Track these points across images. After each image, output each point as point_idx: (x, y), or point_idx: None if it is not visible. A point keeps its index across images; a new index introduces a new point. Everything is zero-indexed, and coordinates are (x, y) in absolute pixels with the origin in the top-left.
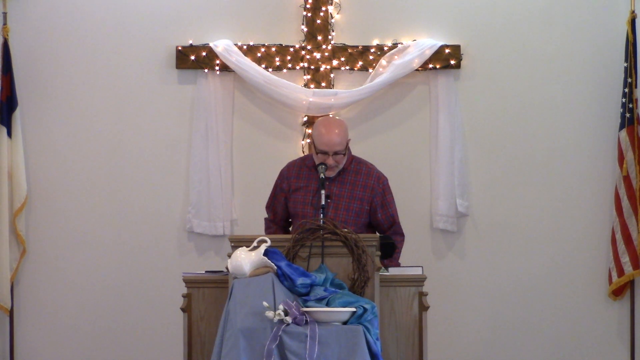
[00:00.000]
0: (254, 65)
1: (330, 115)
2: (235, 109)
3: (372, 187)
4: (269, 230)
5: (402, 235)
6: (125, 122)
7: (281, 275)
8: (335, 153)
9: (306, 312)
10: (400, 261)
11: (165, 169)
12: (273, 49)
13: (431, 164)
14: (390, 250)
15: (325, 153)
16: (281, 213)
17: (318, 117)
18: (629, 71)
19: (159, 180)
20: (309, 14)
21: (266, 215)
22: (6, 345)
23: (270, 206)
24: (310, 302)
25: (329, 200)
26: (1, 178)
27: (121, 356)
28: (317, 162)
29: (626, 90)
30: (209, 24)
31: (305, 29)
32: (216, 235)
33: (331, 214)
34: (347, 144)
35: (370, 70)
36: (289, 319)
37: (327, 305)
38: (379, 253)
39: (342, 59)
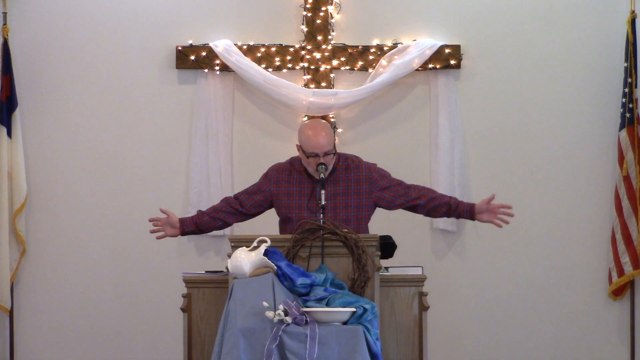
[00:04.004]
0: (254, 65)
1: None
2: (235, 109)
3: (366, 178)
4: (222, 204)
5: (425, 188)
6: (126, 122)
7: (281, 275)
8: (326, 154)
9: (306, 312)
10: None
11: (165, 169)
12: (273, 49)
13: (431, 164)
14: (390, 250)
15: (315, 156)
16: (248, 208)
17: (318, 117)
18: (629, 71)
19: (159, 180)
20: (309, 14)
21: (230, 196)
22: (6, 345)
23: (240, 197)
24: (310, 302)
25: (326, 202)
26: (1, 178)
27: (121, 356)
28: (308, 167)
29: (626, 90)
30: (209, 24)
31: (305, 29)
32: (216, 235)
33: (330, 214)
34: (334, 143)
35: (370, 70)
36: (289, 319)
37: (327, 305)
38: (379, 253)
39: (342, 59)
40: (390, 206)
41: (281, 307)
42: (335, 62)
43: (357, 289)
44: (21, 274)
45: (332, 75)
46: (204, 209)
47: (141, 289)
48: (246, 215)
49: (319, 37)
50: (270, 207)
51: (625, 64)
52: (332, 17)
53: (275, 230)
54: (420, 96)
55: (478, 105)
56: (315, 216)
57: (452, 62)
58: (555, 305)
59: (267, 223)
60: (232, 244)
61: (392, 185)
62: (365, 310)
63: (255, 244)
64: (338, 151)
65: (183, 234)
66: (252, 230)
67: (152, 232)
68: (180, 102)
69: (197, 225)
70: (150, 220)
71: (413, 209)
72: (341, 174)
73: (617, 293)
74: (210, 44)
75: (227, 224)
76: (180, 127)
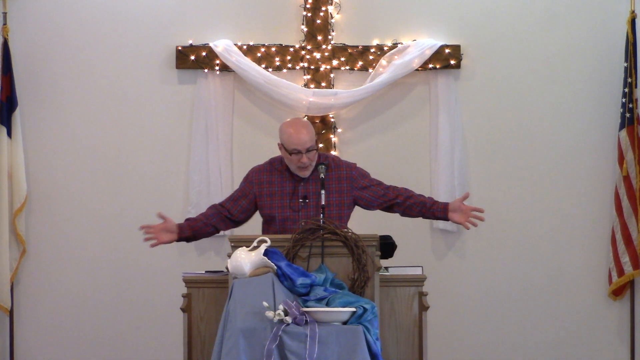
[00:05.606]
0: (254, 65)
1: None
2: (235, 109)
3: (347, 177)
4: (211, 211)
5: (404, 188)
6: (125, 122)
7: (281, 275)
8: (308, 150)
9: (306, 312)
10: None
11: (165, 169)
12: (273, 49)
13: (431, 164)
14: (390, 250)
15: (298, 152)
16: (236, 215)
17: (318, 116)
18: (629, 71)
19: (159, 180)
20: (309, 14)
21: (216, 204)
22: (6, 345)
23: (227, 205)
24: (310, 302)
25: (307, 201)
26: (1, 178)
27: (121, 356)
28: (290, 165)
29: (626, 90)
30: (209, 24)
31: (305, 29)
32: (216, 236)
33: (312, 212)
34: (316, 141)
35: (370, 70)
36: (289, 319)
37: (327, 305)
38: (379, 253)
39: (342, 59)
40: (369, 206)
41: (281, 307)
42: (335, 62)
43: (357, 289)
44: (21, 274)
45: (332, 75)
46: (204, 208)
47: (141, 289)
48: (235, 222)
49: (319, 37)
50: (256, 210)
51: (625, 64)
52: (332, 17)
53: None
54: (420, 96)
55: (478, 105)
56: (298, 215)
57: (452, 62)
58: (555, 305)
59: None
60: (232, 244)
61: (372, 185)
62: (365, 310)
63: (255, 244)
64: (331, 151)
65: (179, 239)
66: (252, 230)
67: (146, 240)
68: (180, 102)
69: (193, 231)
70: (141, 228)
71: (390, 208)
72: (322, 172)
73: (617, 293)
74: (210, 44)
75: (218, 230)
76: (180, 127)
